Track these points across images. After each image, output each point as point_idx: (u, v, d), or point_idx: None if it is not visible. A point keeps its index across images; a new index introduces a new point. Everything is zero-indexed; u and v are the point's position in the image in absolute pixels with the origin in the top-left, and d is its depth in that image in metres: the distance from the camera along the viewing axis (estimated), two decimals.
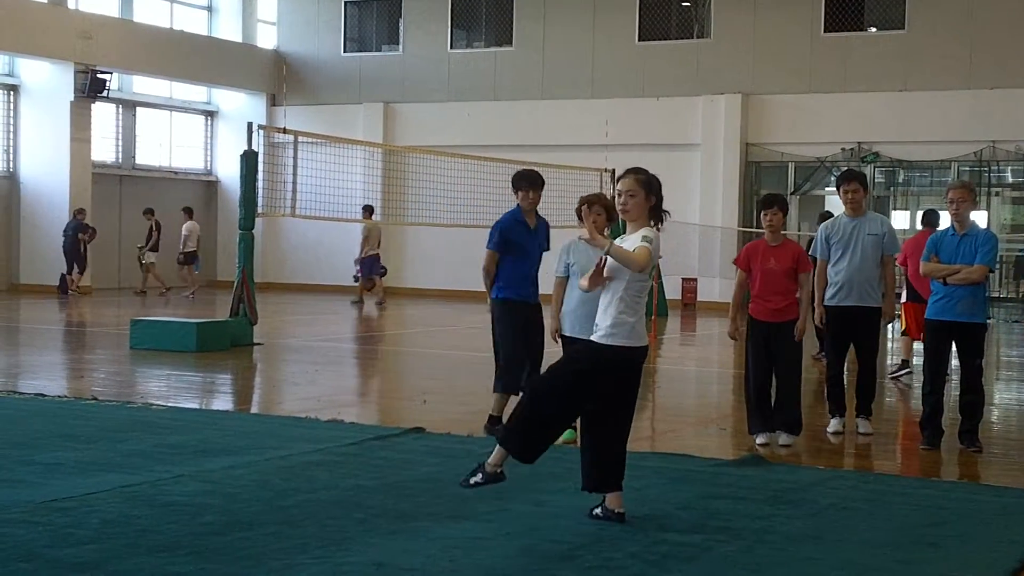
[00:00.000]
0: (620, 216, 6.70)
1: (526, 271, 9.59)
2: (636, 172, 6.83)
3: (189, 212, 27.67)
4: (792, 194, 27.01)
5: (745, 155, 27.91)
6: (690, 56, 28.30)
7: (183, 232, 27.35)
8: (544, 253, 9.72)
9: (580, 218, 9.24)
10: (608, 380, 6.56)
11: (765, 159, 28.06)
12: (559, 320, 9.17)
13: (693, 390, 14.15)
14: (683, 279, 26.09)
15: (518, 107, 29.38)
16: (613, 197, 7.18)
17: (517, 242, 9.57)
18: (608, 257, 6.48)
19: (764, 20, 27.69)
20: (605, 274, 6.54)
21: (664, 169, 28.90)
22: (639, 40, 28.80)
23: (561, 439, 9.14)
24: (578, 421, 9.29)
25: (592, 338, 6.63)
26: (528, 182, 9.65)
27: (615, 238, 6.90)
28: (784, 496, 7.40)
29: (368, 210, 24.31)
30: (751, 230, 26.45)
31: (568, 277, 9.17)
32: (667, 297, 24.45)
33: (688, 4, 28.84)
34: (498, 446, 6.60)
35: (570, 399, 6.58)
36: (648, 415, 11.76)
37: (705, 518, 6.75)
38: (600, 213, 9.12)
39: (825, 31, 27.30)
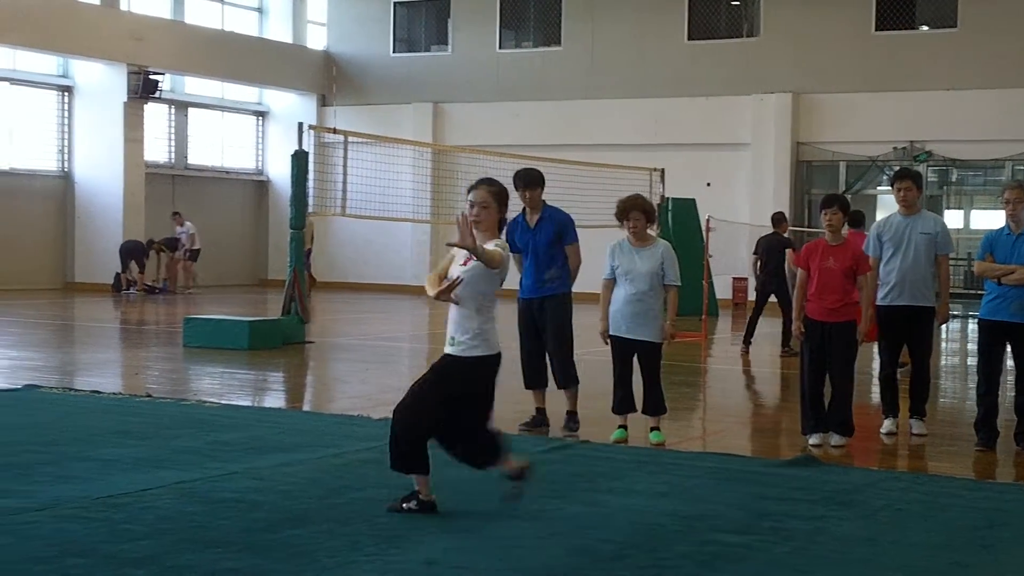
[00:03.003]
0: (476, 226, 6.53)
1: (526, 269, 9.77)
2: (489, 183, 6.67)
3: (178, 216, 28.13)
4: (844, 193, 26.80)
5: (796, 154, 27.75)
6: (739, 55, 28.17)
7: (190, 231, 27.70)
8: (569, 248, 9.70)
9: (620, 220, 9.28)
10: (473, 390, 6.59)
11: (816, 158, 27.89)
12: (607, 321, 9.21)
13: (744, 390, 14.09)
14: (733, 278, 25.97)
15: (566, 107, 29.37)
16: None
17: (518, 241, 9.73)
18: (467, 270, 6.49)
19: (814, 18, 27.52)
20: (459, 289, 6.49)
21: (713, 168, 29.03)
22: (688, 39, 28.72)
23: (612, 438, 9.17)
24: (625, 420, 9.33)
25: (454, 352, 6.58)
26: (522, 181, 9.70)
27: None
28: (836, 497, 7.35)
29: None
30: (802, 229, 26.31)
31: (614, 279, 9.21)
32: (717, 297, 24.36)
33: (737, 3, 28.72)
34: (416, 476, 6.62)
35: (438, 416, 6.57)
36: (699, 415, 11.74)
37: (756, 519, 6.71)
38: (639, 217, 9.14)
39: (876, 29, 27.09)
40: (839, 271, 9.10)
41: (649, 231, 9.32)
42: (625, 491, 7.35)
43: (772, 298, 16.30)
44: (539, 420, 9.80)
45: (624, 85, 28.95)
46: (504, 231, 9.65)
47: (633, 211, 9.14)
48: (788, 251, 16.46)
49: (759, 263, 16.71)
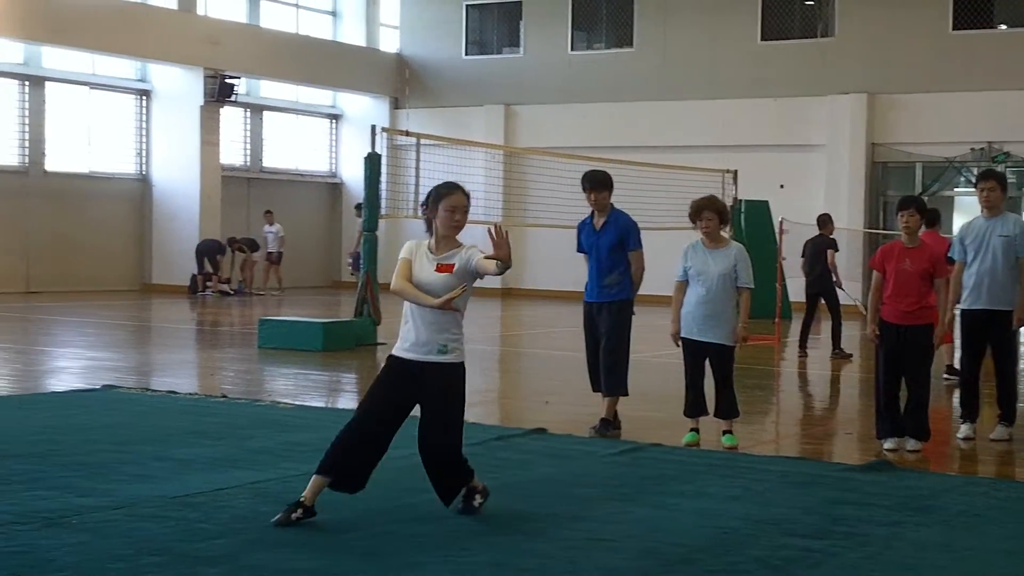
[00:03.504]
0: (455, 232, 6.44)
1: (589, 271, 9.72)
2: (463, 188, 6.54)
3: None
4: (920, 195, 26.44)
5: (871, 156, 27.43)
6: (813, 55, 27.90)
7: (279, 233, 27.94)
8: (632, 254, 9.58)
9: (693, 221, 9.23)
10: (441, 394, 6.50)
11: (891, 159, 27.55)
12: (678, 323, 9.16)
13: (818, 393, 13.95)
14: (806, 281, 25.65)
15: (638, 108, 29.26)
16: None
17: (584, 243, 9.72)
18: (453, 278, 6.38)
19: (889, 18, 27.17)
20: (457, 294, 6.34)
21: (786, 170, 28.75)
22: (761, 40, 28.49)
23: (684, 441, 9.13)
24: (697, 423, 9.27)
25: (452, 360, 6.47)
26: (589, 183, 9.64)
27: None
28: (912, 502, 7.25)
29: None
30: (877, 232, 26.01)
31: (687, 281, 9.17)
32: (790, 299, 24.13)
33: (811, 3, 28.44)
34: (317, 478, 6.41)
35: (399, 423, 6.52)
36: (772, 419, 11.65)
37: (830, 523, 6.65)
38: (711, 218, 9.09)
39: (953, 28, 26.70)
40: (915, 274, 8.97)
41: (722, 233, 9.27)
42: (696, 494, 7.31)
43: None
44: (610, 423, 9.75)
45: (697, 86, 28.80)
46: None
47: (706, 211, 9.09)
48: (829, 251, 16.38)
49: (807, 266, 16.69)
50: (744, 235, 21.67)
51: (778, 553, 6.01)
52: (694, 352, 9.19)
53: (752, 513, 6.79)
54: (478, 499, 6.65)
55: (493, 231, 6.19)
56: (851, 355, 16.09)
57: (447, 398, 6.47)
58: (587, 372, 9.88)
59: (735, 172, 22.53)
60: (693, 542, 6.18)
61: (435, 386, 6.42)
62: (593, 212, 9.70)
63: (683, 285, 9.21)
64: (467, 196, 6.52)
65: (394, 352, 6.51)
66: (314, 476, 6.38)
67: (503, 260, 6.21)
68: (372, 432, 6.41)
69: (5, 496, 6.75)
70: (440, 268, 6.40)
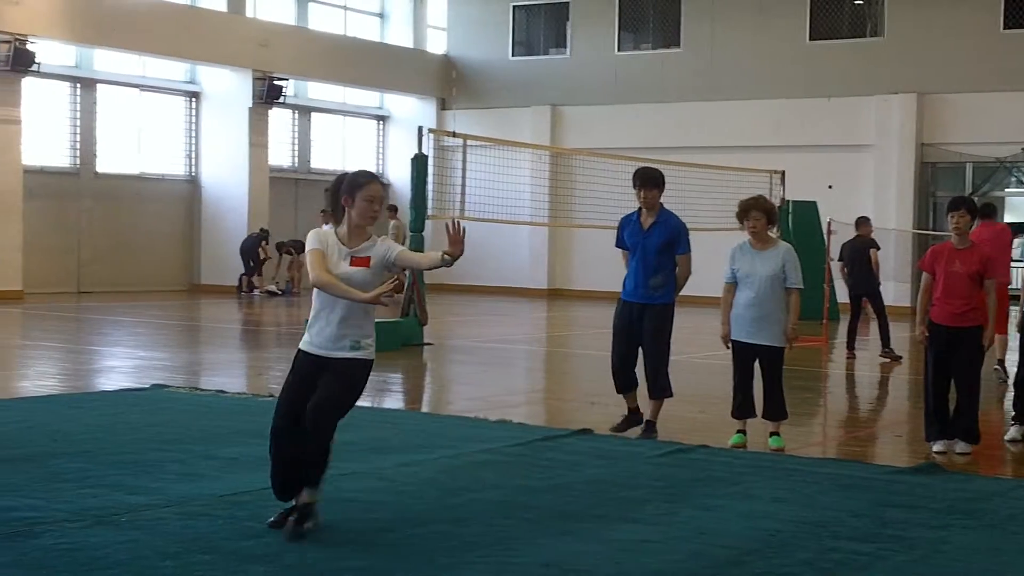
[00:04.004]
0: (372, 223, 6.19)
1: (632, 270, 9.53)
2: (379, 179, 6.35)
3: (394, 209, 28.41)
4: (970, 195, 26.17)
5: (920, 156, 27.20)
6: (863, 55, 27.71)
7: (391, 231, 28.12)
8: (681, 258, 9.46)
9: (741, 221, 9.18)
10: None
11: (941, 159, 27.31)
12: (728, 326, 9.12)
13: (866, 395, 13.85)
14: (844, 281, 25.49)
15: (685, 109, 29.18)
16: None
17: (627, 240, 9.57)
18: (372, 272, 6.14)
19: (939, 17, 26.94)
20: (388, 288, 6.06)
21: (835, 170, 28.56)
22: (810, 39, 28.33)
23: (731, 442, 9.09)
24: (744, 426, 9.23)
25: (362, 356, 6.15)
26: (640, 180, 9.47)
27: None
28: (961, 506, 7.19)
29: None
30: (927, 232, 25.78)
31: (736, 282, 9.12)
32: (838, 300, 23.98)
33: (861, 2, 28.25)
34: (307, 491, 6.10)
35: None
36: (820, 421, 11.58)
37: (879, 526, 6.60)
38: (759, 217, 9.04)
39: (1004, 28, 26.42)
40: (965, 275, 8.88)
41: (770, 233, 9.21)
42: (743, 496, 7.28)
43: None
44: (633, 420, 9.57)
45: (744, 86, 28.68)
46: (618, 226, 9.67)
47: (753, 211, 9.04)
48: (872, 251, 16.29)
49: (846, 268, 16.59)
50: (792, 236, 21.55)
51: (826, 556, 5.97)
52: (743, 354, 9.15)
53: (799, 515, 6.75)
54: (309, 523, 6.11)
55: (451, 227, 6.12)
56: (900, 357, 15.96)
57: (345, 384, 6.08)
58: (612, 373, 9.67)
59: (783, 172, 22.40)
60: (741, 544, 6.15)
61: (338, 372, 6.07)
62: (640, 209, 9.53)
63: (732, 287, 9.16)
64: (383, 186, 6.29)
65: (302, 347, 6.21)
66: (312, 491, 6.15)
67: (456, 256, 6.15)
68: (286, 430, 6.07)
69: (57, 494, 6.83)
70: (355, 261, 6.13)
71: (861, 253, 16.38)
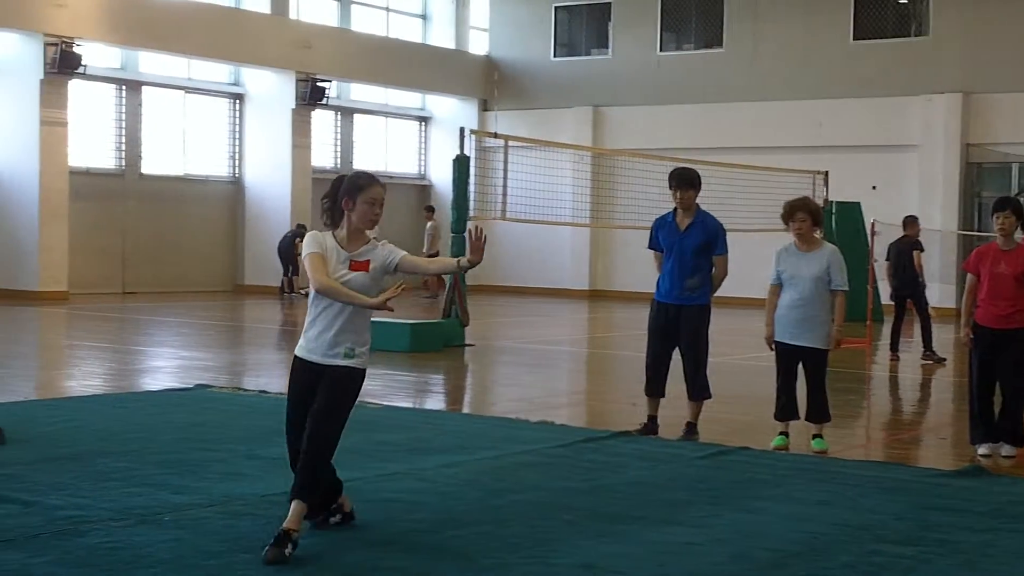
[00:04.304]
0: (373, 226, 6.01)
1: (667, 271, 9.50)
2: (380, 181, 6.14)
3: (431, 210, 28.43)
4: (1016, 195, 25.90)
5: (965, 156, 26.96)
6: (907, 54, 27.50)
7: (427, 232, 28.18)
8: (718, 259, 9.43)
9: (786, 222, 9.14)
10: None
11: (987, 160, 27.06)
12: (772, 327, 9.09)
13: (910, 397, 13.75)
14: (888, 282, 25.30)
15: (728, 109, 29.06)
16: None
17: (662, 241, 9.53)
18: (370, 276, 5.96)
19: (985, 16, 26.68)
20: (396, 293, 5.89)
21: (879, 171, 28.30)
22: (854, 39, 28.14)
23: (773, 445, 9.06)
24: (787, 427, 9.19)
25: (355, 365, 5.99)
26: (676, 180, 9.45)
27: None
28: (1007, 509, 7.13)
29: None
30: (971, 233, 25.54)
31: (780, 284, 9.08)
32: (882, 302, 23.82)
33: (905, 1, 28.03)
34: (296, 503, 5.80)
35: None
36: (863, 423, 11.51)
37: (922, 530, 6.55)
38: (804, 219, 8.99)
39: None
40: (1011, 276, 8.79)
41: (815, 235, 9.16)
42: (786, 499, 7.25)
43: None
44: (651, 428, 9.56)
45: (787, 86, 28.52)
46: (652, 227, 9.64)
47: (799, 212, 8.99)
48: (915, 252, 16.16)
49: (892, 269, 16.47)
50: (835, 237, 21.42)
51: (869, 559, 5.94)
52: (787, 356, 9.10)
53: (842, 518, 6.71)
54: (336, 518, 6.25)
55: (473, 234, 6.01)
56: (944, 359, 15.83)
57: (339, 394, 5.95)
58: (646, 374, 9.64)
59: (826, 173, 22.27)
60: (783, 547, 6.12)
61: (333, 381, 5.93)
62: (675, 210, 9.51)
63: (777, 288, 9.13)
64: (384, 188, 6.09)
65: (298, 353, 6.11)
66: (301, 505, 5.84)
67: (475, 264, 6.04)
68: (297, 441, 5.98)
69: (102, 493, 6.89)
70: (355, 265, 5.95)
71: (906, 254, 16.26)
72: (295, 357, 6.12)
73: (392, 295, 5.85)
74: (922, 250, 16.49)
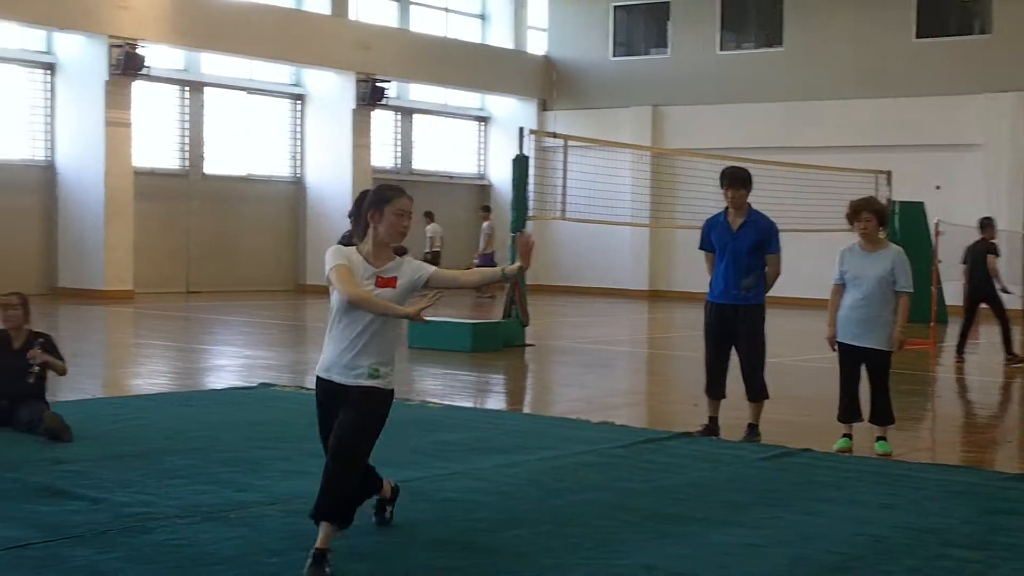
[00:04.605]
0: (401, 239, 5.75)
1: (720, 272, 9.43)
2: (407, 193, 5.87)
3: (430, 216, 28.50)
4: None
5: None
6: (971, 53, 27.15)
7: (429, 233, 28.20)
8: (771, 258, 9.35)
9: (851, 223, 9.05)
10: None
11: None
12: (835, 327, 9.01)
13: (976, 400, 13.57)
14: (963, 284, 25.00)
15: (788, 108, 28.84)
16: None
17: (715, 241, 9.47)
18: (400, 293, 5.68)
19: None
20: (431, 303, 5.65)
21: (943, 170, 28.01)
22: (916, 37, 27.83)
23: (836, 447, 8.98)
24: (850, 429, 9.11)
25: (381, 386, 5.65)
26: (727, 180, 9.40)
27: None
28: None
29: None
30: None
31: (843, 284, 9.01)
32: (946, 303, 23.55)
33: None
34: (323, 524, 5.53)
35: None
36: (927, 425, 11.38)
37: (990, 534, 6.47)
38: (870, 219, 8.90)
39: None
40: None
41: (880, 235, 9.07)
42: (849, 501, 7.19)
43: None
44: (712, 429, 9.53)
45: (848, 85, 28.26)
46: (702, 227, 9.59)
47: (865, 211, 8.91)
48: (989, 256, 15.92)
49: (968, 272, 16.25)
50: (899, 237, 21.21)
51: (935, 563, 5.87)
52: (850, 357, 9.03)
53: (907, 522, 6.65)
54: (389, 510, 6.26)
55: (524, 242, 5.88)
56: None
57: (364, 411, 5.63)
58: (706, 376, 9.60)
59: (888, 173, 22.05)
60: (846, 550, 6.07)
61: (357, 402, 5.64)
62: (726, 210, 9.46)
63: (840, 289, 9.05)
64: (411, 200, 5.83)
65: (320, 374, 5.77)
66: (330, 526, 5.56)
67: (523, 270, 5.93)
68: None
69: (168, 490, 6.98)
70: (381, 282, 5.65)
71: (981, 257, 16.03)
72: (317, 378, 5.81)
73: (427, 305, 5.58)
74: (997, 254, 16.24)
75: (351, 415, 5.62)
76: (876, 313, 8.86)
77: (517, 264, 5.97)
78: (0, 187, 24.07)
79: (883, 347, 8.92)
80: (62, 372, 9.14)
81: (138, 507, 6.54)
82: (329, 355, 5.74)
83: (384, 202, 5.72)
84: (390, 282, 5.67)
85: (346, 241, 6.03)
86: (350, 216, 5.96)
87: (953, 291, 24.33)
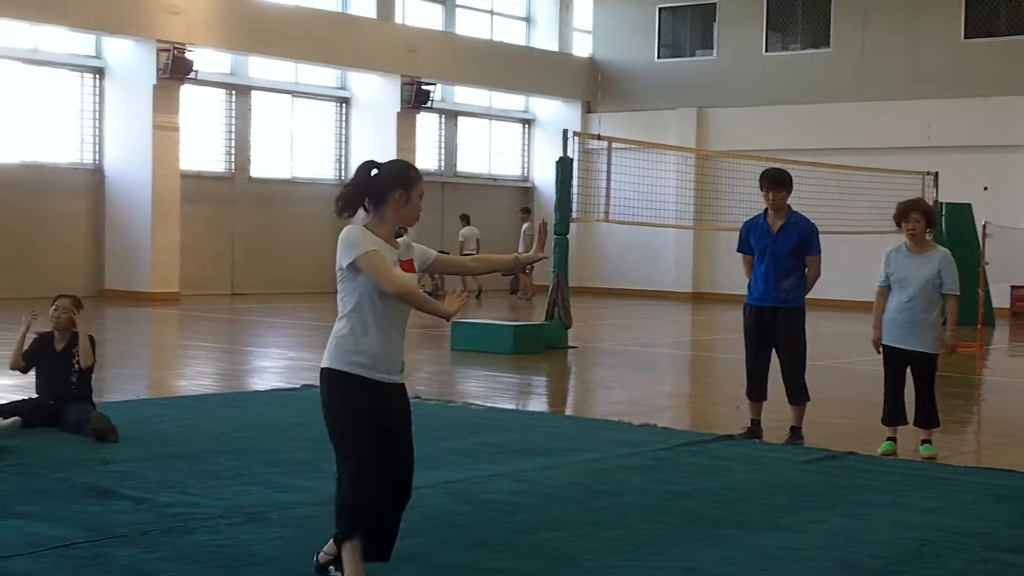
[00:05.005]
0: (413, 225, 5.44)
1: (760, 274, 9.38)
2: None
3: (466, 219, 28.52)
4: None
5: None
6: (1019, 53, 26.85)
7: (462, 236, 28.20)
8: (811, 259, 9.31)
9: (899, 225, 8.98)
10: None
11: None
12: (880, 330, 8.94)
13: (1022, 403, 13.43)
14: (1012, 287, 24.81)
15: (835, 110, 28.65)
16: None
17: (754, 244, 9.42)
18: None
19: None
20: (466, 299, 5.35)
21: (990, 172, 27.76)
22: (965, 37, 27.57)
23: (880, 450, 8.91)
24: (896, 433, 9.04)
25: (402, 381, 5.33)
26: (767, 181, 9.35)
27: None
28: None
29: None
30: None
31: (889, 286, 8.93)
32: (993, 305, 23.32)
33: None
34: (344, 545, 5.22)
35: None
36: (973, 429, 11.27)
37: None
38: (919, 220, 8.82)
39: None
40: None
41: (927, 236, 8.99)
42: (893, 505, 7.14)
43: None
44: (754, 431, 9.49)
45: (896, 86, 28.04)
46: (741, 230, 9.54)
47: (913, 212, 8.83)
48: None
49: None
50: (945, 239, 21.02)
51: (980, 567, 5.82)
52: (895, 360, 8.96)
53: (952, 525, 6.59)
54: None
55: (540, 232, 5.63)
56: None
57: (409, 426, 5.34)
58: (747, 378, 9.56)
59: (936, 174, 21.86)
60: (891, 554, 6.03)
61: (403, 403, 5.31)
62: (766, 212, 9.43)
63: (885, 291, 8.98)
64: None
65: (360, 373, 5.16)
66: (346, 549, 5.19)
67: (538, 260, 5.62)
68: (384, 497, 5.26)
69: (212, 491, 7.03)
70: (404, 266, 5.23)
71: None
72: (352, 377, 5.17)
73: (464, 301, 5.27)
74: None
75: (407, 438, 5.26)
76: (922, 315, 8.79)
77: (532, 251, 5.64)
78: (49, 190, 24.34)
79: (929, 350, 8.84)
80: (87, 359, 9.05)
81: (181, 507, 6.59)
82: (361, 349, 5.16)
83: (412, 182, 5.27)
84: (411, 266, 5.27)
85: None
86: (345, 193, 5.31)
87: (1001, 293, 24.15)
